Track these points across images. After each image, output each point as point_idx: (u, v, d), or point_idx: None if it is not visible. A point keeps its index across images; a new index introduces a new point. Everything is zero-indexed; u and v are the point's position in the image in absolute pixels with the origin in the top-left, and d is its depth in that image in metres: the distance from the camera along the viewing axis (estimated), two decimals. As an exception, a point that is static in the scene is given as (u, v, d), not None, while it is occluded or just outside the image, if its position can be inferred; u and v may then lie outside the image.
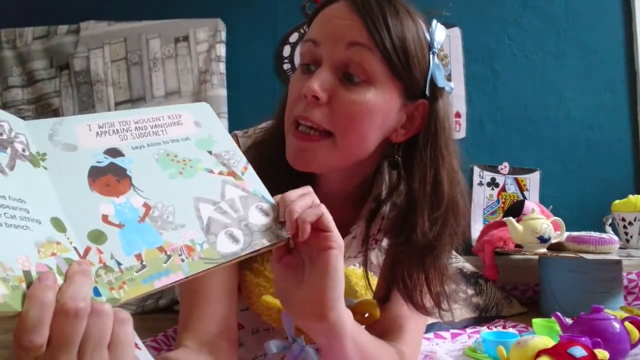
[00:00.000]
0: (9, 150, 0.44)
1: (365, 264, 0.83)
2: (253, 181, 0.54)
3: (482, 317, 1.47)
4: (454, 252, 1.71)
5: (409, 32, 0.68)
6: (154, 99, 2.01)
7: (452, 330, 1.36)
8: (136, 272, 0.43)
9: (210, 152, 0.54)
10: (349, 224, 0.86)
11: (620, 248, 1.54)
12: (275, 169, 0.74)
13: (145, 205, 0.47)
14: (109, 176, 0.47)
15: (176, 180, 0.50)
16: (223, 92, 1.98)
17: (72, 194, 0.45)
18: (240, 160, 0.55)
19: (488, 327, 1.40)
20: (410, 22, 0.69)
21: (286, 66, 2.01)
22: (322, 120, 0.68)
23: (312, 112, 0.67)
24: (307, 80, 0.67)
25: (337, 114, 0.67)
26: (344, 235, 0.85)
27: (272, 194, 0.70)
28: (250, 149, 0.80)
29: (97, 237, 0.43)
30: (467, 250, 1.82)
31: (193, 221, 0.48)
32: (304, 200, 0.52)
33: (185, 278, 0.45)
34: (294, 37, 2.01)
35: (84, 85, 2.03)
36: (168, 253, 0.45)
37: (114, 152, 0.49)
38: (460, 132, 1.98)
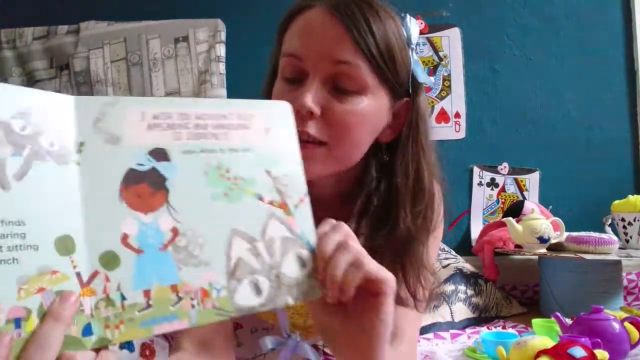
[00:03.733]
0: (26, 150, 0.37)
1: None
2: (304, 219, 0.47)
3: (482, 318, 1.47)
4: (453, 252, 1.72)
5: (392, 35, 0.68)
6: (154, 99, 2.01)
7: (451, 331, 1.36)
8: (138, 311, 0.38)
9: (269, 173, 0.46)
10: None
11: (620, 248, 1.54)
12: None
13: (174, 230, 0.41)
14: (144, 185, 0.40)
15: (218, 204, 0.43)
16: (223, 92, 1.98)
17: (99, 201, 0.39)
18: (299, 190, 0.47)
19: (488, 328, 1.40)
20: (391, 23, 0.69)
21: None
22: (317, 132, 0.68)
23: (309, 126, 0.67)
24: (296, 93, 0.67)
25: (332, 126, 0.67)
26: None
27: None
28: None
29: (110, 261, 0.38)
30: (466, 250, 1.82)
31: (220, 259, 0.42)
32: (345, 256, 0.46)
33: (189, 327, 0.40)
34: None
35: (84, 85, 2.03)
36: (180, 295, 0.40)
37: (159, 154, 0.42)
38: (460, 132, 1.98)
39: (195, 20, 2.04)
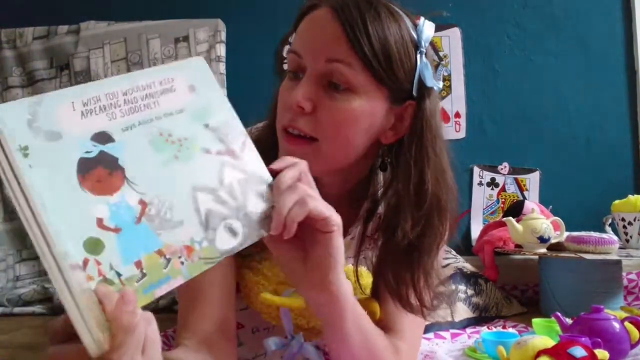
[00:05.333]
0: None
1: (356, 262, 0.83)
2: (251, 158, 0.50)
3: (482, 317, 1.47)
4: (453, 252, 1.72)
5: (391, 36, 0.68)
6: (154, 99, 2.01)
7: (452, 330, 1.35)
8: (136, 282, 0.40)
9: (207, 126, 0.49)
10: (348, 225, 0.86)
11: (620, 248, 1.54)
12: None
13: (141, 202, 0.43)
14: (100, 169, 0.42)
15: (172, 167, 0.45)
16: (223, 92, 1.98)
17: (62, 196, 0.40)
18: (239, 133, 0.51)
19: (488, 327, 1.40)
20: (393, 25, 0.69)
21: (286, 66, 2.01)
22: (307, 127, 0.69)
23: (298, 121, 0.69)
24: (294, 89, 0.69)
25: (322, 122, 0.68)
26: (343, 237, 0.86)
27: None
28: None
29: (94, 245, 0.40)
30: (467, 250, 1.82)
31: (191, 216, 0.45)
32: (292, 195, 0.51)
33: (184, 282, 0.43)
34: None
35: (84, 85, 2.04)
36: (167, 256, 0.43)
37: (102, 137, 0.43)
38: (460, 132, 1.98)
39: (195, 20, 2.04)
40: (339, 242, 0.56)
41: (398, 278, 0.73)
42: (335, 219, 0.55)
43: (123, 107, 0.45)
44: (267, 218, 0.49)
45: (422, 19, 0.72)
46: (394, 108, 0.72)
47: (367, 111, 0.69)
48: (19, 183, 0.38)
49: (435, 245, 0.74)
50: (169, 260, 0.43)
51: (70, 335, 0.38)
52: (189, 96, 0.49)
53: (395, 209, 0.73)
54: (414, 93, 0.71)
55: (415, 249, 0.72)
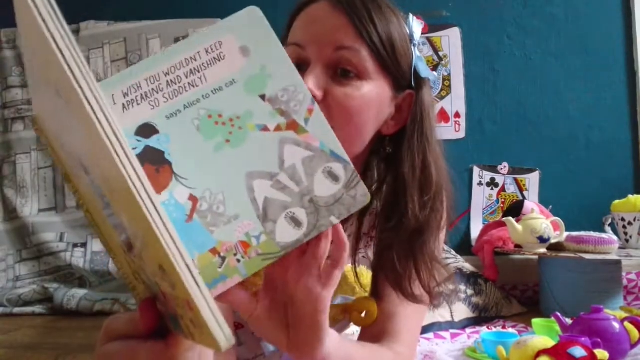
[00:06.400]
0: None
1: (354, 260, 0.83)
2: (319, 129, 0.42)
3: (482, 317, 1.47)
4: (453, 252, 1.72)
5: (393, 27, 0.71)
6: (154, 99, 2.01)
7: (451, 331, 1.36)
8: None
9: (263, 97, 0.42)
10: (344, 222, 0.86)
11: (620, 248, 1.55)
12: None
13: (192, 197, 0.39)
14: (146, 167, 0.39)
15: (223, 153, 0.40)
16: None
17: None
18: (303, 100, 0.42)
19: (488, 327, 1.40)
20: (393, 17, 0.72)
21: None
22: None
23: None
24: None
25: (334, 110, 0.68)
26: None
27: None
28: None
29: None
30: (466, 250, 1.82)
31: (247, 207, 0.40)
32: None
33: (242, 281, 0.40)
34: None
35: (84, 85, 2.04)
36: (222, 255, 0.39)
37: (146, 130, 0.40)
38: (460, 132, 1.98)
39: (195, 20, 2.04)
40: (330, 299, 0.49)
41: (401, 265, 0.73)
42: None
43: (166, 90, 0.40)
44: (337, 202, 0.42)
45: (410, 15, 0.76)
46: (396, 97, 0.74)
47: (375, 98, 0.71)
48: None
49: (437, 230, 0.75)
50: (224, 259, 0.39)
51: (129, 335, 0.37)
52: (242, 62, 0.41)
53: (401, 194, 0.73)
54: (412, 83, 0.74)
55: (420, 235, 0.73)
